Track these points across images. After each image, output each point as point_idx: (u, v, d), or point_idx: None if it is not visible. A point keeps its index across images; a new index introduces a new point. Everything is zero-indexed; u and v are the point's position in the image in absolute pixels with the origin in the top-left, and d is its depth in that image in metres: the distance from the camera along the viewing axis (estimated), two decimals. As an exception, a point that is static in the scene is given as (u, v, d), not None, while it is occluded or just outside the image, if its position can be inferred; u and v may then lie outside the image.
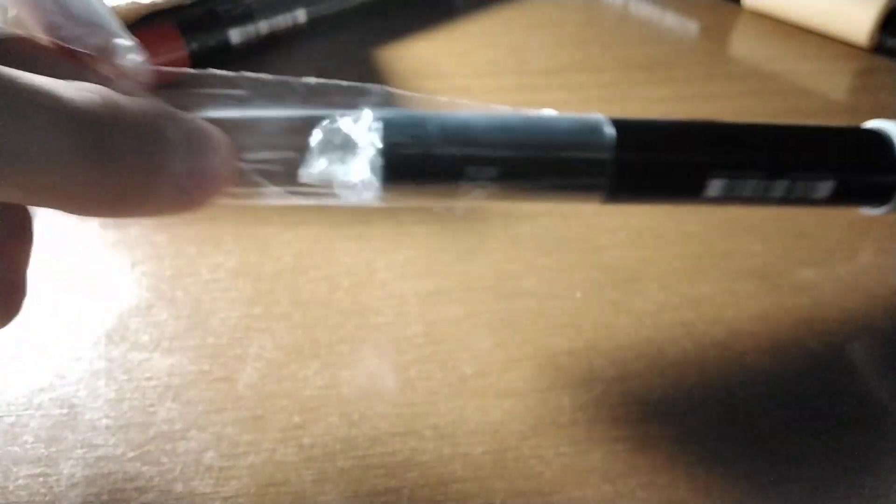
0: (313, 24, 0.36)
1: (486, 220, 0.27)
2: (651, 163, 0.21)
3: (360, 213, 0.27)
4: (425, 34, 0.37)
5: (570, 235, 0.26)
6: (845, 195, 0.22)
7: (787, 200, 0.22)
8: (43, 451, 0.20)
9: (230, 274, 0.24)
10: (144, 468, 0.19)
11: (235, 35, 0.33)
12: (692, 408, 0.21)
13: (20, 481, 0.19)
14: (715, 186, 0.21)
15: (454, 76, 0.34)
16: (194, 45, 0.33)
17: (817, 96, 0.33)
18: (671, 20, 0.38)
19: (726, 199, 0.21)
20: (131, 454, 0.20)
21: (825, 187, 0.22)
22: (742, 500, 0.19)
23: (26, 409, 0.21)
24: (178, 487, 0.19)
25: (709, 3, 0.40)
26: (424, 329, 0.23)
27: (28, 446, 0.20)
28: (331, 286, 0.24)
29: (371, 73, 0.34)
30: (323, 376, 0.22)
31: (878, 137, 0.23)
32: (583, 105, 0.32)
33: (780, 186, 0.21)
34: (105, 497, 0.19)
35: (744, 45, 0.37)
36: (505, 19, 0.38)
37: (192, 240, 0.26)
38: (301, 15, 0.35)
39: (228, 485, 0.19)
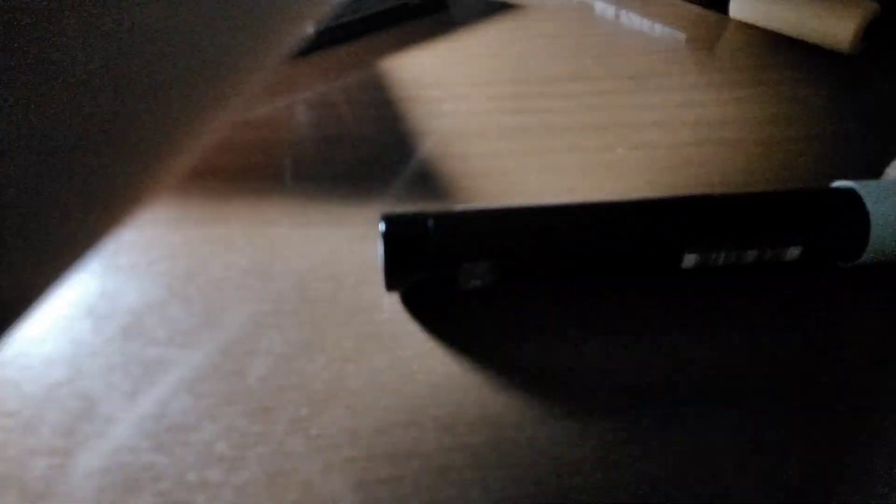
0: (318, 35, 0.37)
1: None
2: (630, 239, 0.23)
3: (364, 216, 0.28)
4: (427, 45, 0.38)
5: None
6: (815, 257, 0.24)
7: (758, 265, 0.23)
8: (61, 442, 0.21)
9: (241, 273, 0.25)
10: (158, 458, 0.20)
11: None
12: (683, 398, 0.22)
13: (38, 472, 0.20)
14: (689, 259, 0.23)
15: (454, 85, 0.35)
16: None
17: (802, 103, 0.34)
18: (660, 31, 0.40)
19: (701, 269, 0.23)
20: (146, 445, 0.21)
21: (794, 252, 0.23)
22: (733, 487, 0.20)
23: (45, 402, 0.22)
24: (191, 476, 0.20)
25: (697, 14, 0.41)
26: (425, 326, 0.24)
27: (46, 438, 0.21)
28: (337, 284, 0.25)
29: (375, 82, 0.35)
30: (329, 370, 0.22)
31: (846, 197, 0.24)
32: (577, 112, 0.33)
33: (750, 255, 0.23)
34: (121, 486, 0.20)
35: (730, 54, 0.38)
36: (502, 31, 0.39)
37: (205, 240, 0.27)
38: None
39: (239, 474, 0.20)
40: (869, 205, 0.23)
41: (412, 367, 0.23)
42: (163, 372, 0.22)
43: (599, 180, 0.30)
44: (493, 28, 0.40)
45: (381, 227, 0.22)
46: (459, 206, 0.24)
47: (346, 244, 0.27)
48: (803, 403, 0.22)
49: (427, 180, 0.29)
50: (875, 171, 0.30)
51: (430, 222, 0.22)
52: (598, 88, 0.35)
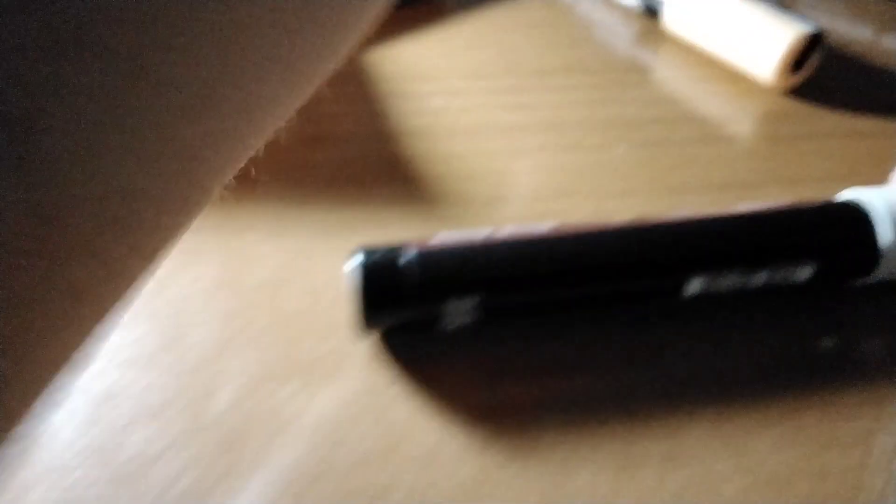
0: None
1: (477, 227, 0.26)
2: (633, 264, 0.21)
3: (343, 221, 0.26)
4: (416, 35, 0.36)
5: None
6: (826, 276, 0.22)
7: (768, 289, 0.22)
8: (12, 475, 0.19)
9: (210, 286, 0.24)
10: (118, 491, 0.19)
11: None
12: (683, 427, 0.20)
13: (-8, 505, 0.19)
14: (693, 286, 0.21)
15: (444, 78, 0.33)
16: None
17: (813, 98, 0.32)
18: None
19: (707, 295, 0.21)
20: (105, 477, 0.19)
21: (803, 273, 0.21)
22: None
23: (-1, 429, 0.20)
24: (155, 510, 0.19)
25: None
26: (408, 347, 0.22)
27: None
28: (313, 299, 0.24)
29: (360, 75, 0.33)
30: (304, 394, 0.21)
31: (853, 209, 0.22)
32: (575, 108, 0.32)
33: (759, 278, 0.21)
34: (80, 520, 0.18)
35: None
36: (495, 20, 0.37)
37: (172, 251, 0.25)
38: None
39: (206, 508, 0.19)
40: (878, 217, 0.22)
41: (392, 392, 0.21)
42: (124, 397, 0.21)
43: (599, 181, 0.28)
44: (486, 16, 0.38)
45: (356, 262, 0.20)
46: (440, 237, 0.22)
47: (324, 254, 0.25)
48: (812, 428, 0.20)
49: (415, 183, 0.28)
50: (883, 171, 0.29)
51: (412, 258, 0.21)
52: (597, 81, 0.33)
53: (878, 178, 0.28)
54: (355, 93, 0.32)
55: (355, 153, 0.29)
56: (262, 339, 0.22)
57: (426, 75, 0.33)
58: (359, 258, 0.21)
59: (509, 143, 0.30)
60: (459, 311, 0.20)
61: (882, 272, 0.22)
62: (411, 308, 0.20)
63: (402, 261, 0.20)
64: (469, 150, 0.29)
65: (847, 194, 0.23)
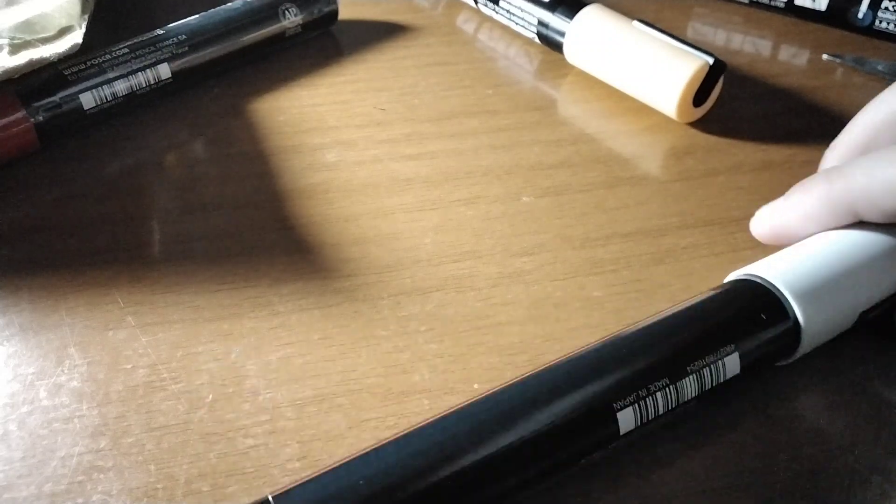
0: (180, 78, 0.32)
1: (373, 300, 0.24)
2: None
3: (228, 306, 0.24)
4: (307, 81, 0.34)
5: (465, 312, 0.24)
6: (756, 359, 0.20)
7: (704, 394, 0.20)
8: None
9: (73, 397, 0.21)
10: None
11: (88, 99, 0.30)
12: None
13: None
14: (626, 418, 0.18)
15: (339, 129, 0.31)
16: (40, 117, 0.29)
17: (723, 129, 0.31)
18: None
19: (644, 424, 0.19)
20: None
21: (732, 364, 0.20)
22: None
23: None
24: None
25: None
26: (301, 450, 0.20)
27: None
28: (191, 403, 0.21)
29: (248, 129, 0.31)
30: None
31: (753, 287, 0.21)
32: (477, 155, 0.30)
33: (689, 384, 0.19)
34: None
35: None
36: (393, 59, 0.35)
37: (31, 357, 0.22)
38: (164, 70, 0.32)
39: None
40: (789, 294, 0.20)
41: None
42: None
43: (504, 237, 0.26)
44: (381, 56, 0.36)
45: None
46: (307, 475, 0.17)
47: (204, 345, 0.22)
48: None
49: (306, 255, 0.25)
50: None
51: None
52: (500, 124, 0.31)
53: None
54: (241, 151, 0.30)
55: (240, 222, 0.27)
56: (132, 458, 0.20)
57: (319, 126, 0.31)
58: None
59: (407, 200, 0.28)
60: None
61: (806, 347, 0.21)
62: None
63: None
64: (364, 210, 0.27)
65: (738, 272, 0.22)
